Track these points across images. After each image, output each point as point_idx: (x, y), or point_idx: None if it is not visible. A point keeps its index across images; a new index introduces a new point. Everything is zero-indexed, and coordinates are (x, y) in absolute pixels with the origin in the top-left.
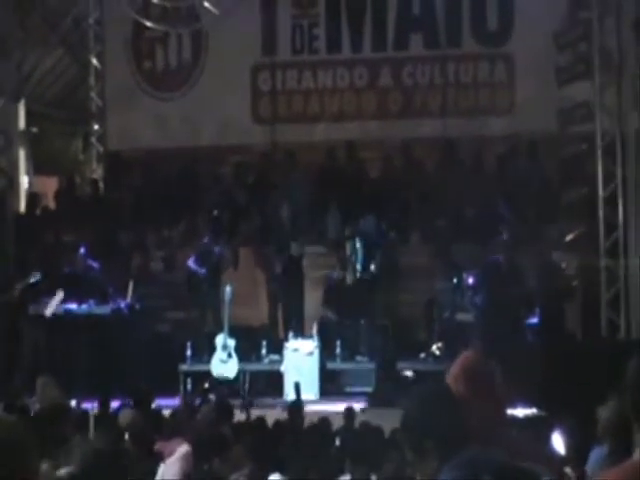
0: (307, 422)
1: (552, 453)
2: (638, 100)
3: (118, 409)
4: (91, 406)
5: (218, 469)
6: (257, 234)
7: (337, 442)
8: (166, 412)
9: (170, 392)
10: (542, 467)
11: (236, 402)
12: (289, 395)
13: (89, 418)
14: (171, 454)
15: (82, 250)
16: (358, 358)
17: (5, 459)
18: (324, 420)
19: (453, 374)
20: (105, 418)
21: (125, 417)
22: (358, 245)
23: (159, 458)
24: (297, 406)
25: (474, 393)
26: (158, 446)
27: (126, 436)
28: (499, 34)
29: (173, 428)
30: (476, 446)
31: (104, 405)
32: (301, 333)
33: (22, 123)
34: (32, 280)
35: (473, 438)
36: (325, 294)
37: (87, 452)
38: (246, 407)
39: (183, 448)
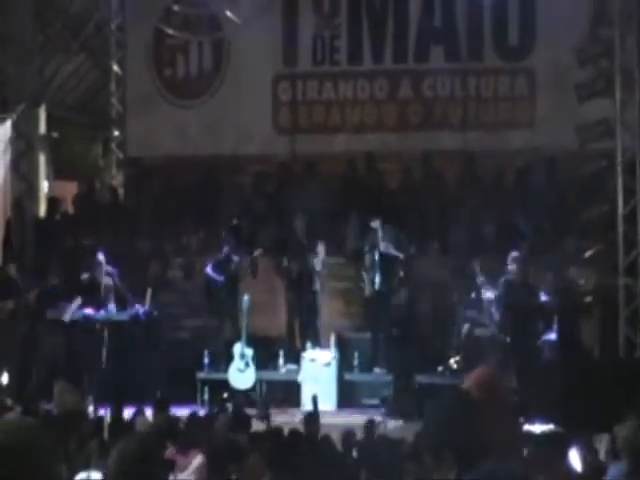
0: (324, 433)
1: (569, 469)
2: None
3: (134, 415)
4: (106, 412)
5: (235, 479)
6: (275, 243)
7: (354, 453)
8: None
9: (187, 400)
10: None
11: (253, 411)
12: (306, 405)
13: (104, 424)
14: (186, 467)
15: (100, 256)
16: (376, 370)
17: (6, 460)
18: (343, 432)
19: (467, 388)
20: (120, 424)
21: (142, 424)
22: (377, 257)
23: (170, 466)
24: (313, 417)
25: (487, 408)
26: (172, 455)
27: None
28: (520, 48)
29: (189, 436)
30: (494, 460)
31: (117, 411)
32: (317, 343)
33: (43, 128)
34: (50, 286)
35: (503, 453)
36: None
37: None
38: (263, 417)
39: (197, 460)
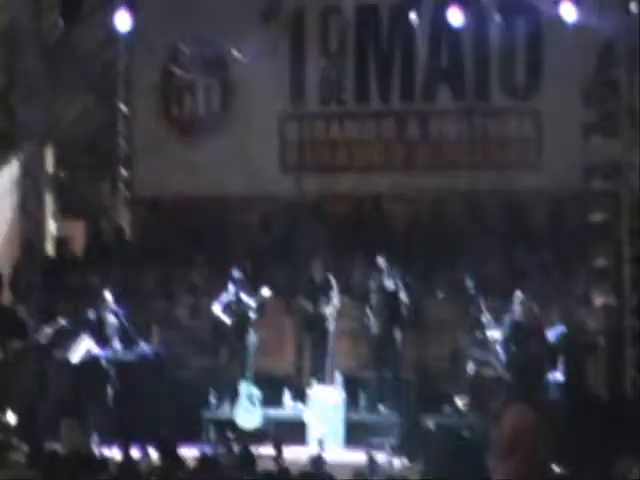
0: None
1: None
2: None
3: (141, 456)
4: (112, 452)
5: None
6: (286, 283)
7: None
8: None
9: (193, 439)
10: None
11: (260, 451)
12: (312, 444)
13: (110, 464)
14: None
15: (107, 294)
16: (382, 410)
17: None
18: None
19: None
20: (126, 464)
21: (147, 464)
22: (383, 296)
23: None
24: (320, 460)
25: (522, 448)
26: None
27: None
28: (527, 88)
29: (196, 477)
30: None
31: (123, 450)
32: (324, 382)
33: (51, 167)
34: (58, 325)
35: None
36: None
37: None
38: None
39: None
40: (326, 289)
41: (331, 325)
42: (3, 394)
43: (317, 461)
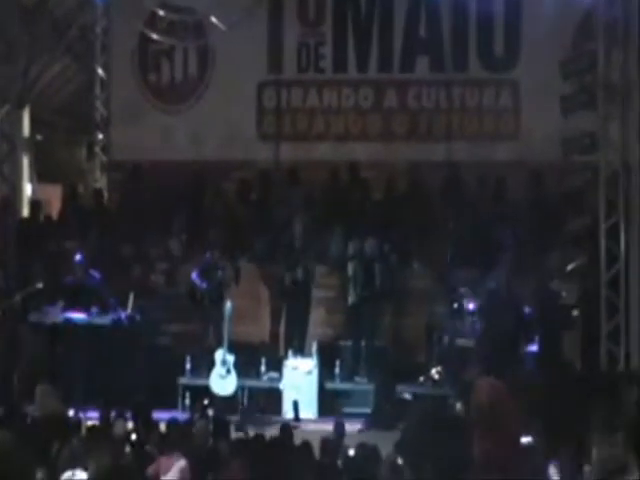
0: (304, 441)
1: None
2: None
3: (114, 419)
4: (86, 416)
5: None
6: (264, 251)
7: (332, 461)
8: (163, 425)
9: (168, 405)
10: None
11: (234, 418)
12: (287, 413)
13: (83, 427)
14: (169, 468)
15: (84, 258)
16: (357, 379)
17: None
18: (323, 441)
19: (480, 403)
20: (100, 428)
21: (120, 428)
22: (360, 266)
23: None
24: (293, 425)
25: (499, 423)
26: (156, 463)
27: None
28: (505, 60)
29: (170, 442)
30: (475, 473)
31: (99, 414)
32: (302, 352)
33: (27, 130)
34: (34, 289)
35: (492, 466)
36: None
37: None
38: (242, 427)
39: (180, 463)
40: (302, 257)
41: (307, 293)
42: None
43: (287, 427)
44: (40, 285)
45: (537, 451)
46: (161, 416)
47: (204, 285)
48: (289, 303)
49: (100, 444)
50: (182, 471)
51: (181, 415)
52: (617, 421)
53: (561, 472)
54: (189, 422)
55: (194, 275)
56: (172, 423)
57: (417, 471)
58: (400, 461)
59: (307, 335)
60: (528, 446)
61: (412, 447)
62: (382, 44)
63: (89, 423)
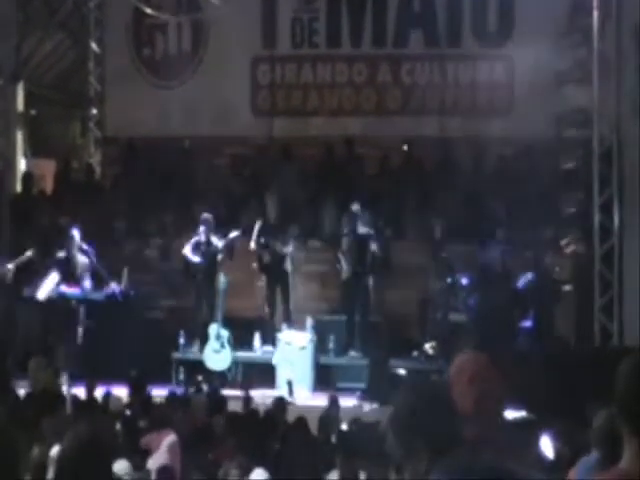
0: (298, 416)
1: (541, 456)
2: (636, 107)
3: (108, 394)
4: (80, 389)
5: (209, 460)
6: (252, 226)
7: (331, 438)
8: (158, 399)
9: (162, 380)
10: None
11: (229, 392)
12: (281, 387)
13: (78, 401)
14: (159, 446)
15: (76, 233)
16: (351, 354)
17: None
18: (321, 417)
19: (458, 381)
20: (93, 402)
21: (115, 402)
22: (354, 240)
23: (145, 453)
24: (281, 403)
25: (480, 399)
26: (147, 439)
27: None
28: (499, 35)
29: (165, 417)
30: (468, 449)
31: (91, 389)
32: (291, 325)
33: (21, 105)
34: (25, 258)
35: (476, 442)
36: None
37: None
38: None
39: (169, 438)
40: (285, 231)
41: (289, 266)
42: None
43: (281, 401)
44: (29, 253)
45: (529, 425)
46: (155, 390)
47: (198, 260)
48: (270, 277)
49: (90, 418)
50: (171, 446)
51: (176, 389)
52: (610, 395)
53: (556, 444)
54: (185, 397)
55: (187, 250)
56: (170, 398)
57: (409, 446)
58: (392, 436)
59: (294, 308)
60: (519, 420)
61: (405, 422)
62: (376, 19)
63: (81, 397)
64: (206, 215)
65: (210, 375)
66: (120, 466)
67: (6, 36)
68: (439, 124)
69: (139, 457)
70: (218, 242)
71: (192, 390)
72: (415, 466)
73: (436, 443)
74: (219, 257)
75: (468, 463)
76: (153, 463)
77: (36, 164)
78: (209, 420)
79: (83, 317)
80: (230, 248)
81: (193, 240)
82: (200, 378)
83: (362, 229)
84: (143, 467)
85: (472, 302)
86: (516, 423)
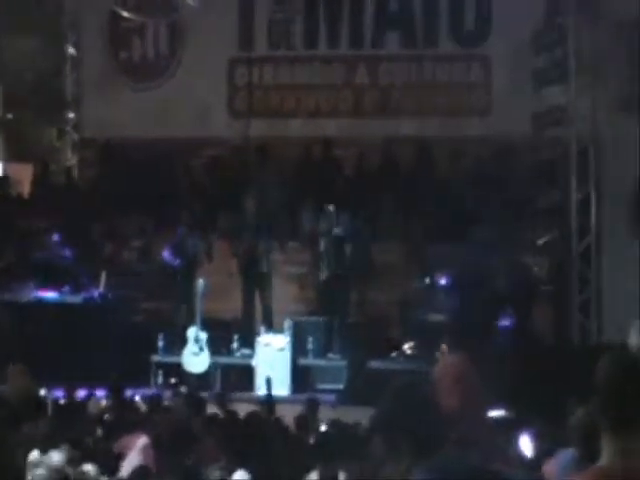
0: (277, 418)
1: (520, 455)
2: (613, 104)
3: (87, 398)
4: (57, 395)
5: (188, 463)
6: (230, 228)
7: (310, 439)
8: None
9: (141, 383)
10: (519, 471)
11: (207, 395)
12: (260, 390)
13: (57, 406)
14: (131, 448)
15: (56, 237)
16: (330, 355)
17: None
18: (298, 418)
19: (444, 382)
20: (72, 407)
21: (94, 406)
22: (331, 242)
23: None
24: (268, 402)
25: (466, 400)
26: (121, 442)
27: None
28: (476, 34)
29: (144, 420)
30: (452, 449)
31: (70, 394)
32: (271, 327)
33: None
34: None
35: (461, 443)
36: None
37: None
38: (220, 401)
39: (142, 441)
40: (264, 232)
41: (266, 268)
42: None
43: (265, 403)
44: (10, 262)
45: (508, 424)
46: (134, 394)
47: (176, 262)
48: (249, 279)
49: (69, 424)
50: (143, 449)
51: (155, 392)
52: (589, 393)
53: (535, 442)
54: (162, 399)
55: (165, 252)
56: (148, 400)
57: (393, 446)
58: (376, 436)
59: (271, 312)
60: (498, 419)
61: (388, 422)
62: (353, 20)
63: (60, 402)
64: (184, 217)
65: (188, 378)
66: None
67: None
68: (417, 125)
69: (114, 461)
70: (196, 244)
71: (171, 392)
72: (398, 465)
73: (419, 443)
74: (198, 259)
75: (451, 463)
76: (126, 466)
77: (13, 168)
78: (188, 422)
79: (61, 321)
80: (209, 250)
81: (171, 242)
82: (174, 381)
83: (339, 230)
84: (116, 471)
85: (451, 302)
86: (495, 422)
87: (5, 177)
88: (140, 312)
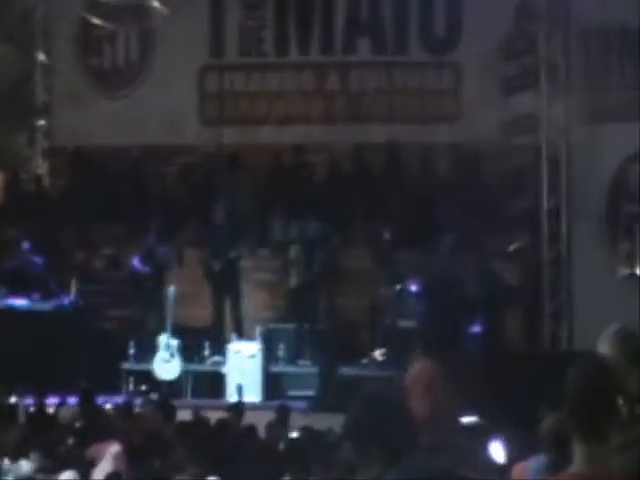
0: (249, 425)
1: (491, 460)
2: (583, 112)
3: (58, 405)
4: (27, 403)
5: (159, 469)
6: (200, 235)
7: (279, 445)
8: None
9: (112, 390)
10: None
11: (178, 402)
12: (231, 397)
13: (26, 414)
14: (102, 455)
15: (26, 245)
16: (301, 362)
17: None
18: (269, 425)
19: (415, 389)
20: (42, 415)
21: (65, 414)
22: (301, 249)
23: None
24: (238, 408)
25: (436, 406)
26: (92, 450)
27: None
28: (446, 41)
29: (114, 427)
30: (422, 454)
31: (40, 401)
32: (242, 335)
33: None
34: None
35: (432, 448)
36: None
37: None
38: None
39: (113, 448)
40: (235, 241)
41: (237, 275)
42: None
43: (234, 409)
44: None
45: (479, 430)
46: (105, 401)
47: (146, 269)
48: (220, 288)
49: (40, 432)
50: (115, 457)
51: (125, 400)
52: (559, 399)
53: (506, 448)
54: (132, 407)
55: (135, 260)
56: (119, 408)
57: (364, 452)
58: (347, 442)
59: (242, 319)
60: (469, 425)
61: (359, 428)
62: (324, 26)
63: (31, 410)
64: (154, 224)
65: (159, 385)
66: (67, 475)
67: None
68: (387, 131)
69: (85, 468)
70: (166, 251)
71: (141, 400)
72: (369, 471)
73: (390, 450)
74: (168, 266)
75: (420, 468)
76: (98, 473)
77: None
78: (159, 429)
79: (31, 328)
80: (180, 257)
81: (141, 250)
82: (144, 388)
83: (310, 237)
84: (88, 478)
85: (421, 308)
86: (467, 428)
87: None
88: (111, 319)
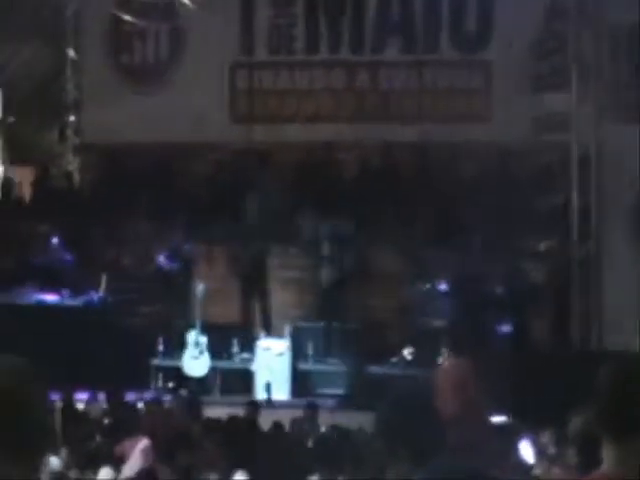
0: (276, 422)
1: (520, 461)
2: (613, 111)
3: (87, 401)
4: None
5: (188, 466)
6: (229, 232)
7: (307, 443)
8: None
9: (141, 386)
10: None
11: (207, 399)
12: (259, 394)
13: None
14: (131, 451)
15: (56, 241)
16: (329, 360)
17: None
18: (294, 421)
19: (444, 388)
20: (72, 410)
21: (95, 410)
22: (331, 247)
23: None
24: (255, 404)
25: (466, 405)
26: (121, 446)
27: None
28: (477, 41)
29: (143, 423)
30: (451, 453)
31: (69, 397)
32: (270, 332)
33: None
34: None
35: (461, 448)
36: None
37: None
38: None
39: (142, 444)
40: (260, 237)
41: (266, 273)
42: None
43: (254, 404)
44: (10, 265)
45: (509, 430)
46: (134, 397)
47: (174, 266)
48: (246, 285)
49: (69, 428)
50: (144, 452)
51: (154, 396)
52: (588, 400)
53: (535, 449)
54: (161, 403)
55: (163, 257)
56: (148, 404)
57: (393, 451)
58: (377, 441)
59: (270, 317)
60: (498, 425)
61: (389, 428)
62: (354, 25)
63: (62, 405)
64: (183, 222)
65: (188, 382)
66: (105, 473)
67: None
68: (417, 130)
69: (114, 465)
70: (195, 248)
71: (170, 396)
72: (398, 470)
73: (419, 449)
74: (196, 263)
75: (449, 468)
76: (127, 470)
77: (14, 171)
78: (187, 426)
79: (61, 324)
80: (209, 254)
81: (169, 247)
82: (172, 385)
83: (340, 236)
84: (117, 475)
85: (450, 308)
86: (496, 428)
87: (9, 180)
88: (140, 316)
